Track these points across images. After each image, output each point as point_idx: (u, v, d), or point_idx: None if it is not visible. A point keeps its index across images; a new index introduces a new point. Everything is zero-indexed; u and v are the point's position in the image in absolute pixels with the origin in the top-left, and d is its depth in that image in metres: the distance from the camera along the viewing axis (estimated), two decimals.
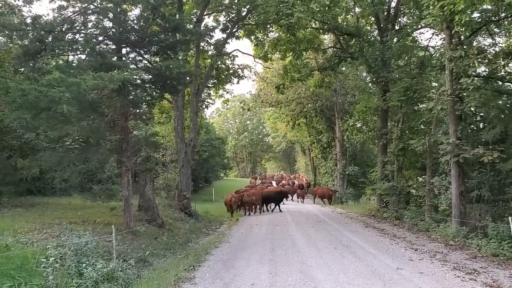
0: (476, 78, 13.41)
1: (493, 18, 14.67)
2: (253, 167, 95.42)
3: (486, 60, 13.71)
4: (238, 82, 30.87)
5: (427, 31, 25.82)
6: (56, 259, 7.38)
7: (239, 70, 28.73)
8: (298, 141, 55.19)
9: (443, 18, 13.51)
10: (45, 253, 7.66)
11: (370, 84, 30.58)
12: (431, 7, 14.08)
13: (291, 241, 14.46)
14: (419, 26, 22.27)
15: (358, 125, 30.45)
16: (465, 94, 13.92)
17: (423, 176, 23.12)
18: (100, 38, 13.28)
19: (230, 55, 27.60)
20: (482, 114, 17.45)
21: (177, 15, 17.46)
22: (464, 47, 13.89)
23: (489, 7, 14.12)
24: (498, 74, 15.08)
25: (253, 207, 25.80)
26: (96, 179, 16.45)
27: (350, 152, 38.21)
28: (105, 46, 13.27)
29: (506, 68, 14.78)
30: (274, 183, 45.11)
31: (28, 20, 12.32)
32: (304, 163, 59.14)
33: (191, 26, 18.25)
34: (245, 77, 29.30)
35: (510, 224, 10.85)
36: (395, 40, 22.03)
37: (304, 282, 8.66)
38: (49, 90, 9.65)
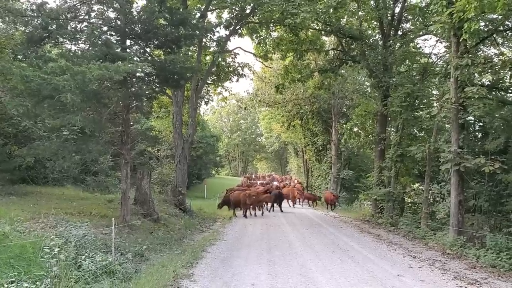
0: (480, 87, 13.36)
1: (500, 28, 14.66)
2: (245, 166, 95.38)
3: (491, 70, 13.71)
4: (237, 80, 30.68)
5: (430, 38, 25.88)
6: (61, 250, 7.21)
7: (239, 68, 28.58)
8: (292, 142, 55.12)
9: (451, 25, 13.47)
10: (45, 243, 7.50)
11: (369, 89, 30.58)
12: (439, 14, 14.04)
13: (287, 242, 14.37)
14: (423, 33, 22.25)
15: (355, 129, 30.41)
16: (469, 103, 13.90)
17: (418, 184, 23.20)
18: (105, 29, 13.07)
19: (232, 53, 27.48)
20: (482, 124, 17.48)
21: (181, 9, 17.28)
22: (470, 55, 13.84)
23: (496, 16, 14.11)
24: (503, 84, 15.09)
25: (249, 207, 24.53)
26: (93, 171, 16.25)
27: (345, 156, 38.19)
28: (109, 37, 13.06)
29: None
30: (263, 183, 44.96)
31: (33, 7, 12.08)
32: (297, 164, 59.08)
33: (195, 21, 18.08)
34: (245, 76, 29.13)
35: None
36: (397, 45, 21.99)
37: (306, 285, 8.56)
38: (53, 78, 9.47)
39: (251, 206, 23.73)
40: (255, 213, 23.99)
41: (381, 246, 14.30)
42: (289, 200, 31.93)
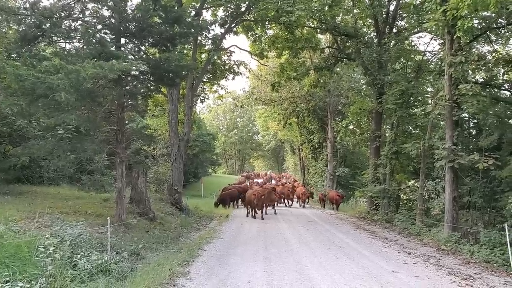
0: (474, 84, 13.41)
1: (493, 25, 14.73)
2: (242, 164, 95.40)
3: (485, 67, 13.77)
4: (233, 78, 30.72)
5: (425, 36, 25.97)
6: (56, 249, 7.21)
7: (235, 66, 28.59)
8: (288, 140, 55.21)
9: (445, 23, 13.52)
10: (41, 243, 7.50)
11: (364, 86, 30.64)
12: (433, 12, 14.08)
13: (284, 240, 14.40)
14: (417, 31, 22.31)
15: (351, 127, 30.43)
16: (463, 100, 13.96)
17: (413, 181, 23.30)
18: (99, 27, 13.04)
19: (227, 51, 27.49)
20: (476, 120, 17.58)
21: (175, 7, 17.25)
22: (464, 53, 13.90)
23: (489, 13, 14.15)
24: (496, 82, 15.16)
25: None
26: (88, 170, 16.19)
27: (341, 153, 38.25)
28: (103, 35, 13.02)
29: (505, 76, 14.84)
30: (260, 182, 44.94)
31: (27, 5, 12.04)
32: (293, 162, 59.18)
33: (190, 19, 18.06)
34: (241, 74, 29.13)
35: (506, 231, 10.85)
36: (392, 43, 22.04)
37: (301, 281, 8.59)
38: (47, 77, 9.46)
39: (265, 204, 22.75)
40: (254, 214, 22.24)
41: (376, 242, 14.37)
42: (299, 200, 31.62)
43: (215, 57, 25.16)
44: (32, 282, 6.46)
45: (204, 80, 28.70)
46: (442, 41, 16.36)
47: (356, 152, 39.97)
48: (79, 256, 7.86)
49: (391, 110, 20.79)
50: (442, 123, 17.32)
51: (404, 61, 23.43)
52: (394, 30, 24.20)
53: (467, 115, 16.87)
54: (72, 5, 12.88)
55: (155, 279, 8.16)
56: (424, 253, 12.43)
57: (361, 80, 33.08)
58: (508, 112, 15.50)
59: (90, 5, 13.24)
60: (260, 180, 48.67)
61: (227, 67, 28.51)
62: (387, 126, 25.03)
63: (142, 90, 14.10)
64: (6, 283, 6.15)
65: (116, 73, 10.07)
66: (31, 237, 7.99)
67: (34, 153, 12.83)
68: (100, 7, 13.14)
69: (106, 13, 13.23)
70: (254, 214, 21.88)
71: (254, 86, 43.66)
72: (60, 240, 8.21)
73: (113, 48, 12.26)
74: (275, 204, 26.03)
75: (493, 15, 13.72)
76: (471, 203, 16.32)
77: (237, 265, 10.14)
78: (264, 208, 23.36)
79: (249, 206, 22.45)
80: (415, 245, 14.13)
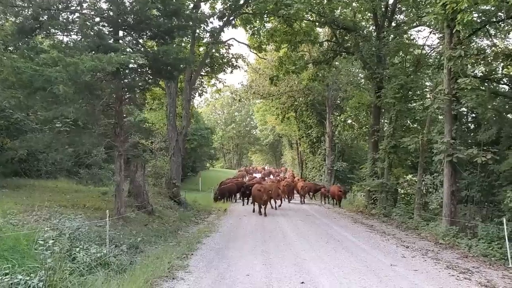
0: (473, 78, 13.38)
1: (493, 19, 14.70)
2: (240, 159, 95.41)
3: (484, 61, 13.73)
4: (231, 72, 30.59)
5: (424, 29, 25.90)
6: (55, 242, 7.19)
7: (233, 60, 28.52)
8: (286, 134, 55.20)
9: (445, 16, 13.45)
10: (39, 236, 7.48)
11: (363, 80, 30.58)
12: (433, 5, 14.03)
13: (282, 233, 14.45)
14: (416, 24, 22.25)
15: (349, 121, 30.34)
16: (462, 94, 13.95)
17: (411, 175, 23.33)
18: (97, 20, 12.94)
19: (226, 44, 27.40)
20: (474, 115, 17.57)
21: (174, 0, 17.16)
22: (463, 47, 13.87)
23: (489, 7, 14.09)
24: (495, 76, 15.13)
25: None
26: (86, 163, 16.16)
27: (339, 147, 38.21)
28: (101, 28, 12.94)
29: (504, 70, 14.82)
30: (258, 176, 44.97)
31: None
32: (291, 157, 59.19)
33: (188, 11, 17.96)
34: (239, 67, 29.08)
35: (505, 225, 10.87)
36: (391, 37, 21.97)
37: (300, 274, 8.61)
38: (45, 70, 9.38)
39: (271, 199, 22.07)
40: (254, 208, 21.87)
41: (374, 236, 14.40)
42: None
43: (213, 50, 25.09)
44: (32, 274, 6.42)
45: (202, 73, 28.65)
46: (441, 35, 16.33)
47: (355, 147, 39.92)
48: (78, 249, 7.83)
49: (389, 104, 20.74)
50: (440, 117, 17.31)
51: (403, 55, 23.31)
52: (393, 24, 24.09)
53: (465, 109, 16.85)
54: None
55: (154, 272, 8.17)
56: (422, 247, 12.46)
57: (360, 74, 33.01)
58: (507, 106, 15.47)
59: None
60: (258, 175, 48.69)
61: (225, 60, 28.46)
62: (386, 120, 25.00)
63: (140, 83, 14.05)
64: (5, 276, 6.12)
65: (114, 66, 10.01)
66: (30, 230, 7.96)
67: (32, 146, 12.81)
68: None
69: (104, 5, 13.15)
70: (254, 208, 21.73)
71: (252, 79, 43.54)
72: (59, 233, 8.18)
73: (111, 41, 12.19)
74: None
75: (493, 8, 13.66)
76: (469, 197, 16.33)
77: (236, 258, 10.16)
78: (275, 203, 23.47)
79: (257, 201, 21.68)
80: (413, 239, 14.15)
